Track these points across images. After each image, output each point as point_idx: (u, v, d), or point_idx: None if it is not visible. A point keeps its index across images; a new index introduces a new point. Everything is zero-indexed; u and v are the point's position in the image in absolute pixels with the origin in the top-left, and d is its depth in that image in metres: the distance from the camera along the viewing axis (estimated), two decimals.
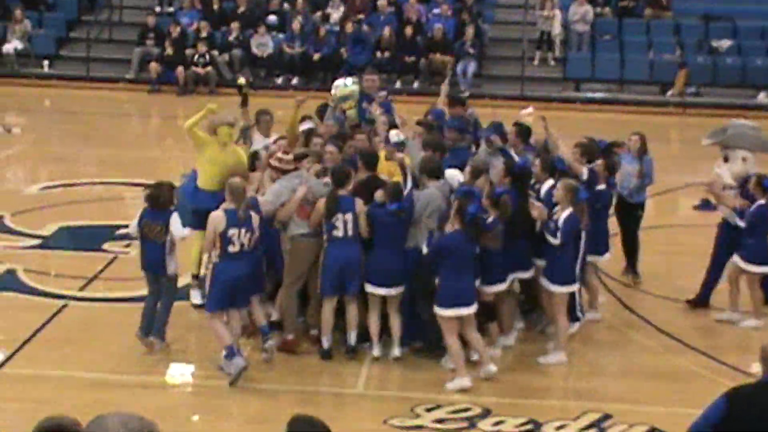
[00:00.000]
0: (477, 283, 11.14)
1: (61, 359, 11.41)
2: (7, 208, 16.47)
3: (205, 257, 11.97)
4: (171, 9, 29.93)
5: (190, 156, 12.76)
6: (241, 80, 14.26)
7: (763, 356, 6.75)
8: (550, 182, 11.75)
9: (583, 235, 11.63)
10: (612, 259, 13.70)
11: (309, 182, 11.52)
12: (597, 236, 12.19)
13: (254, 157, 12.41)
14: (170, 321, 11.65)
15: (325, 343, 11.43)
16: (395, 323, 11.43)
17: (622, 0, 29.52)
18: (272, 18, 28.90)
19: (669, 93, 27.36)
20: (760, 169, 13.37)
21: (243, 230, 10.77)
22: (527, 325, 12.52)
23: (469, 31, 27.60)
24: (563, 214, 11.25)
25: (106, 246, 14.97)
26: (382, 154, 12.12)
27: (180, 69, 27.26)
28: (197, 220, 11.69)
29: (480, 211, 10.79)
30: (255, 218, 10.95)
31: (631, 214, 13.82)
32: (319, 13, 28.95)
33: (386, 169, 12.04)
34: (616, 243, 13.85)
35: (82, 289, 13.42)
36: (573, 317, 12.01)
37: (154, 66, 27.50)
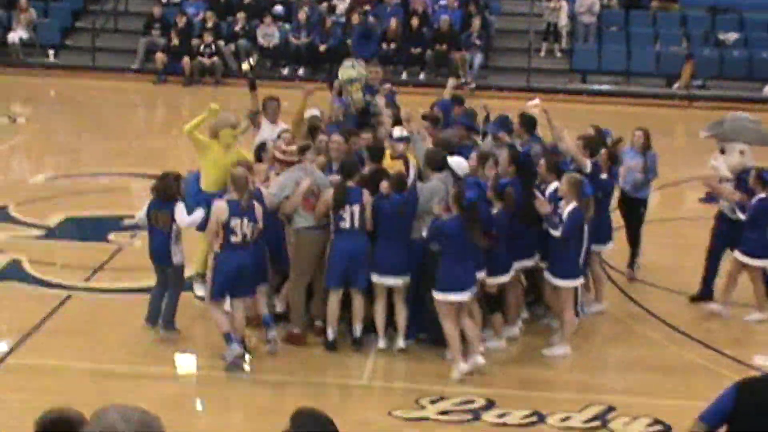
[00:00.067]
0: (483, 274, 11.16)
1: (65, 350, 11.42)
2: (12, 198, 16.48)
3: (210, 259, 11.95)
4: None
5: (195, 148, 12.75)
6: (245, 65, 14.23)
7: None
8: (555, 184, 11.69)
9: (586, 227, 11.62)
10: (618, 252, 13.72)
11: (313, 174, 11.51)
12: (599, 225, 12.17)
13: (261, 148, 12.40)
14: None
15: (331, 335, 11.44)
16: (400, 314, 11.43)
17: None
18: (278, 8, 28.88)
19: (675, 85, 27.31)
20: (757, 162, 13.35)
21: (245, 220, 10.78)
22: (531, 318, 12.52)
23: (476, 22, 27.56)
24: (567, 208, 11.24)
25: (111, 237, 14.97)
26: (388, 152, 12.10)
27: (186, 59, 27.23)
28: (202, 222, 11.64)
29: (478, 197, 10.80)
30: (258, 209, 10.96)
31: (634, 210, 13.78)
32: (325, 4, 28.91)
33: (392, 167, 12.03)
34: (621, 236, 13.84)
35: (87, 279, 13.42)
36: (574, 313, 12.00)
37: (160, 56, 27.47)
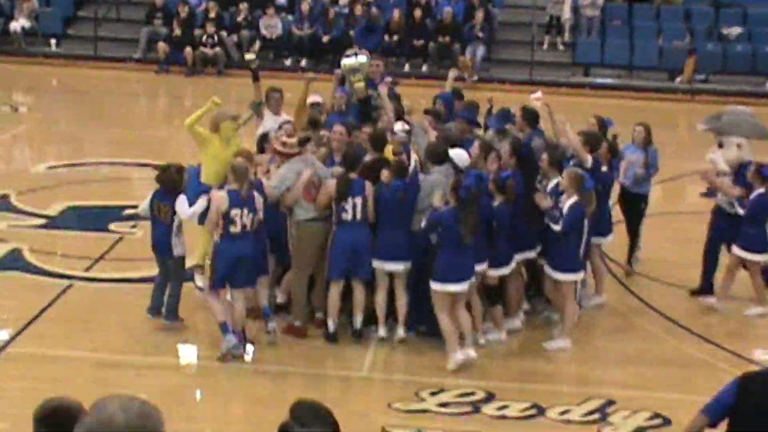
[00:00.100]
0: (484, 266, 11.17)
1: (66, 339, 11.43)
2: (13, 187, 16.48)
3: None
4: None
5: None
6: (249, 56, 14.20)
7: None
8: (557, 179, 11.69)
9: (586, 221, 11.62)
10: (618, 245, 13.72)
11: (314, 166, 11.51)
12: (599, 218, 12.17)
13: (263, 139, 12.40)
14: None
15: (331, 326, 11.44)
16: (401, 301, 11.44)
17: None
18: None
19: (678, 80, 27.28)
20: (755, 155, 13.35)
21: (245, 210, 10.78)
22: (532, 311, 12.51)
23: (479, 15, 27.53)
24: (568, 202, 11.25)
25: (112, 226, 14.97)
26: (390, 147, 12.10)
27: (188, 49, 27.22)
28: (203, 216, 11.62)
29: (476, 186, 10.81)
30: (258, 199, 10.96)
31: (634, 205, 13.76)
32: None
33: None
34: (621, 229, 13.84)
35: (88, 269, 13.42)
36: None
37: (162, 46, 27.45)
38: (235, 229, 10.77)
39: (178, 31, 27.56)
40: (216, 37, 27.39)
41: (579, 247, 11.48)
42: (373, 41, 26.15)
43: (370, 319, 11.59)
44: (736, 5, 28.89)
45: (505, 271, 11.51)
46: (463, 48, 27.03)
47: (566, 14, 28.43)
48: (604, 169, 12.41)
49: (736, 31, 28.05)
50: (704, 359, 11.64)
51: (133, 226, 14.76)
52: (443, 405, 10.26)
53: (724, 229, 12.94)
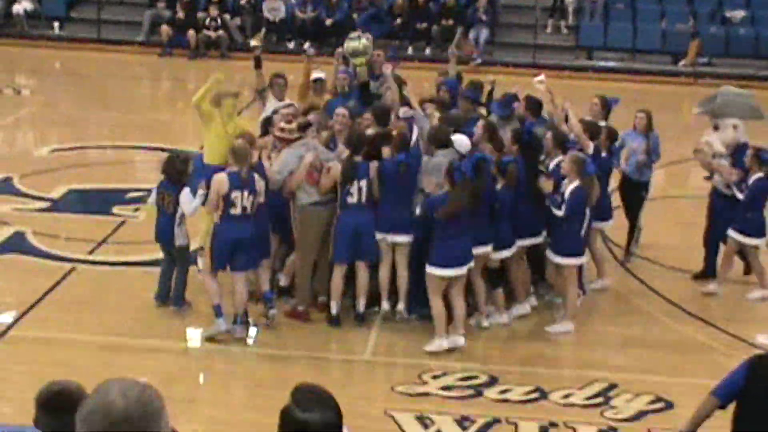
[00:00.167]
0: (487, 249, 11.18)
1: (69, 322, 11.44)
2: (16, 170, 16.48)
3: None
4: None
5: (201, 123, 12.75)
6: (255, 42, 14.16)
7: None
8: (560, 158, 11.71)
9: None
10: (621, 229, 13.71)
11: (316, 149, 11.51)
12: (599, 203, 12.16)
13: (268, 122, 12.40)
14: None
15: (334, 309, 11.45)
16: (402, 276, 11.45)
17: None
18: None
19: (681, 63, 27.23)
20: (750, 136, 13.35)
21: (246, 193, 10.79)
22: (535, 294, 12.52)
23: None
24: (570, 187, 11.26)
25: (115, 210, 14.98)
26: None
27: (191, 32, 27.18)
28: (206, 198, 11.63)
29: (470, 171, 10.81)
30: (259, 182, 10.97)
31: (635, 194, 13.69)
32: None
33: None
34: (623, 214, 13.83)
35: (91, 252, 13.43)
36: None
37: (165, 29, 27.41)
38: (235, 211, 10.79)
39: (181, 14, 27.52)
40: (219, 20, 27.34)
41: (581, 231, 11.49)
42: (378, 29, 26.04)
43: (373, 302, 11.61)
44: None
45: (506, 253, 11.53)
46: (466, 31, 26.96)
47: None
48: (604, 154, 12.42)
49: (739, 14, 27.98)
50: (706, 343, 11.66)
51: (136, 210, 14.76)
52: (446, 388, 10.27)
53: (721, 210, 12.92)
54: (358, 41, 13.34)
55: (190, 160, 11.77)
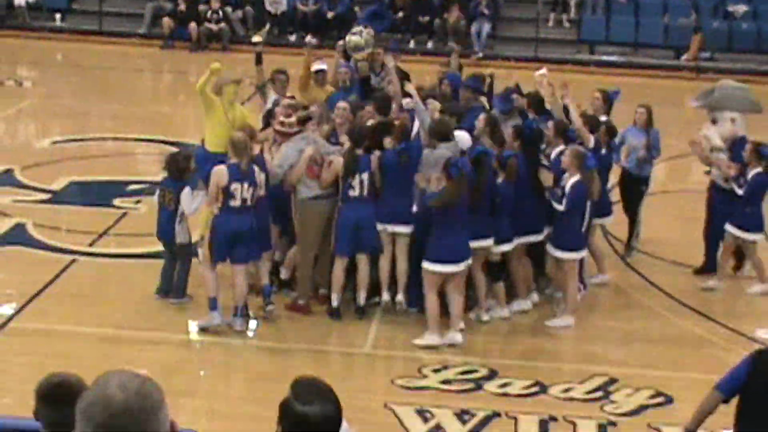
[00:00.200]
0: (488, 242, 11.18)
1: (69, 314, 11.45)
2: (17, 162, 16.48)
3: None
4: None
5: (202, 113, 12.75)
6: (257, 38, 14.16)
7: None
8: (561, 147, 11.73)
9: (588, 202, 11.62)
10: (623, 224, 13.71)
11: (316, 143, 11.51)
12: (599, 199, 12.15)
13: (269, 114, 12.40)
14: None
15: (335, 302, 11.46)
16: (402, 267, 11.45)
17: None
18: None
19: (683, 57, 27.20)
20: (748, 130, 13.34)
21: (245, 185, 10.79)
22: (536, 289, 12.51)
23: None
24: (570, 181, 11.25)
25: (116, 201, 14.97)
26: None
27: (193, 25, 27.16)
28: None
29: (464, 167, 10.80)
30: (259, 174, 10.97)
31: (635, 189, 13.67)
32: None
33: None
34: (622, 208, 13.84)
35: (91, 244, 13.43)
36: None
37: (166, 21, 27.39)
38: (235, 203, 10.79)
39: (183, 7, 27.48)
40: (221, 13, 27.32)
41: (581, 225, 11.49)
42: (380, 23, 26.01)
43: (374, 296, 11.61)
44: None
45: (506, 247, 11.52)
46: (468, 24, 26.95)
47: None
48: (603, 150, 12.42)
49: (741, 9, 27.95)
50: (706, 337, 11.66)
51: (137, 202, 14.77)
52: (446, 382, 10.28)
53: (720, 204, 12.92)
54: (359, 36, 13.34)
55: (192, 157, 11.77)
